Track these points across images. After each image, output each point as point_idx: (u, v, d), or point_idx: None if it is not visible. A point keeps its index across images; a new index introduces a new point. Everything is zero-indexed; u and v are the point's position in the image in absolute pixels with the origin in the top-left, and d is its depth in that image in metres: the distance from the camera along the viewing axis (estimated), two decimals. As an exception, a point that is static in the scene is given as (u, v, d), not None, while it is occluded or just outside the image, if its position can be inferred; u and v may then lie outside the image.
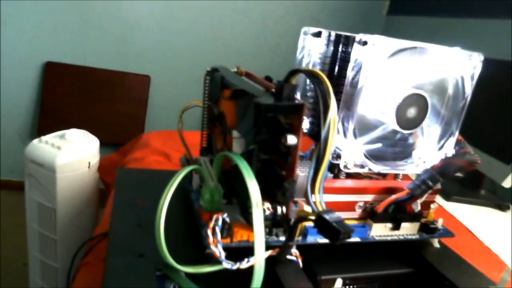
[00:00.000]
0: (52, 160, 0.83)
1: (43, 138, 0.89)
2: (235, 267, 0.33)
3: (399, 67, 0.42)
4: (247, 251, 0.33)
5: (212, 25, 1.88)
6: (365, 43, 0.40)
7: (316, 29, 0.49)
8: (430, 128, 0.45)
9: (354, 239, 0.41)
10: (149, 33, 1.83)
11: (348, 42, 0.44)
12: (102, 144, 0.97)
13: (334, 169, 0.45)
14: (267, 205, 0.36)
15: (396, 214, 0.42)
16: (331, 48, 0.47)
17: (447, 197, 0.92)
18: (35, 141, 0.88)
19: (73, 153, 0.86)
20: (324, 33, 0.48)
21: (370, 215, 0.42)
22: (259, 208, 0.31)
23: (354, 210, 0.42)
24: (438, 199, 0.92)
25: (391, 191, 0.42)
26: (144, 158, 0.93)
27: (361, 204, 0.42)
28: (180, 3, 1.81)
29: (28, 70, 1.77)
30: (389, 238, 0.42)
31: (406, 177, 0.47)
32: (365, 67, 0.40)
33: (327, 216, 0.30)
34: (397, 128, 0.43)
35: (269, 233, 0.37)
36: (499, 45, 1.19)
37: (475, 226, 0.80)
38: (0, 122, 1.81)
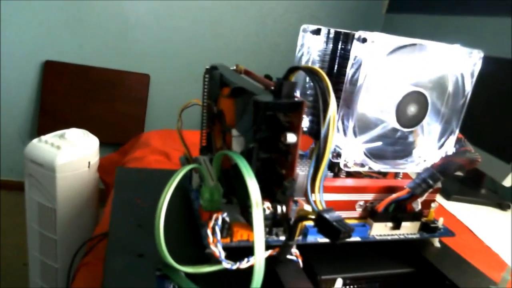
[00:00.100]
0: (52, 159, 0.83)
1: (43, 137, 0.89)
2: (235, 267, 0.33)
3: (399, 64, 0.41)
4: (247, 250, 0.33)
5: (211, 24, 1.87)
6: (364, 40, 0.39)
7: (315, 27, 0.49)
8: (430, 126, 0.45)
9: (355, 238, 0.41)
10: (148, 32, 1.83)
11: (348, 39, 0.43)
12: (102, 144, 0.97)
13: (334, 168, 0.45)
14: (267, 204, 0.36)
15: (397, 213, 0.42)
16: (331, 45, 0.47)
17: (448, 196, 0.92)
18: (35, 140, 0.88)
19: (73, 153, 0.86)
20: (324, 30, 0.48)
21: (371, 214, 0.42)
22: (259, 208, 0.31)
23: (354, 209, 0.42)
24: (439, 198, 0.91)
25: (391, 190, 0.42)
26: (144, 157, 0.92)
27: (361, 203, 0.42)
28: (180, 2, 1.81)
29: (27, 69, 1.77)
30: (389, 238, 0.42)
31: (406, 176, 0.47)
32: (364, 65, 0.39)
33: (327, 215, 0.30)
34: (397, 126, 0.43)
35: (269, 232, 0.37)
36: (499, 43, 1.18)
37: (476, 225, 0.80)
38: (0, 121, 1.81)
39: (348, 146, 0.42)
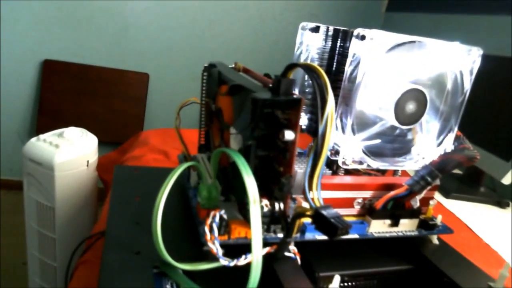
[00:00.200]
0: (50, 158, 0.83)
1: (41, 136, 0.89)
2: (232, 264, 0.33)
3: (398, 61, 0.41)
4: (245, 248, 0.33)
5: (210, 23, 1.87)
6: (363, 37, 0.39)
7: (314, 24, 0.49)
8: (429, 123, 0.45)
9: (353, 235, 0.41)
10: (147, 31, 1.83)
11: (346, 37, 0.43)
12: (101, 143, 0.97)
13: (332, 165, 0.45)
14: (265, 202, 0.36)
15: (395, 211, 0.42)
16: (329, 43, 0.46)
17: (447, 194, 0.92)
18: (33, 139, 0.88)
19: (72, 152, 0.86)
20: (322, 28, 0.47)
21: (369, 211, 0.42)
22: (257, 204, 0.30)
23: (352, 206, 0.42)
24: (438, 196, 0.91)
25: (389, 187, 0.42)
26: (143, 156, 0.92)
27: (360, 200, 0.42)
28: (179, 1, 1.81)
29: (26, 68, 1.77)
30: (387, 235, 0.42)
31: (405, 173, 0.47)
32: (363, 62, 0.39)
33: (324, 212, 0.30)
34: (396, 123, 0.42)
35: (267, 230, 0.37)
36: (499, 41, 1.18)
37: (475, 223, 0.80)
38: (-1, 121, 1.81)
39: (347, 144, 0.41)
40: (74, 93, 1.81)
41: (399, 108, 0.42)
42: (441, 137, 0.46)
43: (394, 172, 0.46)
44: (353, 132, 0.42)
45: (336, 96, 0.41)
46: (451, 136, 0.45)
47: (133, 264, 0.36)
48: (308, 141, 0.46)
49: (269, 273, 0.35)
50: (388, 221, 0.42)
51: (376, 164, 0.43)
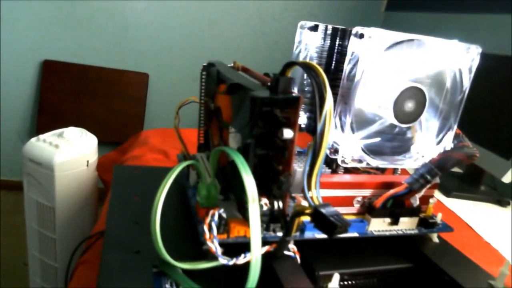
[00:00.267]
0: (50, 158, 0.83)
1: (41, 136, 0.89)
2: (231, 262, 0.33)
3: (397, 60, 0.41)
4: (245, 247, 0.33)
5: (210, 23, 1.87)
6: (361, 35, 0.39)
7: (312, 23, 0.48)
8: (428, 122, 0.45)
9: (352, 234, 0.41)
10: (147, 31, 1.83)
11: (345, 35, 0.43)
12: (101, 143, 0.97)
13: (332, 164, 0.45)
14: (265, 200, 0.36)
15: (395, 209, 0.42)
16: (328, 42, 0.46)
17: (447, 193, 0.92)
18: (33, 139, 0.88)
19: (71, 152, 0.86)
20: (321, 27, 0.47)
21: (368, 210, 0.42)
22: (255, 203, 0.30)
23: (352, 205, 0.42)
24: (438, 195, 0.91)
25: (389, 185, 0.42)
26: (142, 156, 0.92)
27: (359, 199, 0.42)
28: (178, 1, 1.81)
29: (26, 68, 1.77)
30: (387, 233, 0.42)
31: (404, 171, 0.47)
32: (362, 60, 0.39)
33: (323, 210, 0.30)
34: (395, 122, 0.42)
35: (266, 228, 0.37)
36: (499, 40, 1.18)
37: (475, 222, 0.80)
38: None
39: (346, 142, 0.41)
40: (74, 93, 1.81)
41: (398, 106, 0.42)
42: (441, 135, 0.45)
43: (394, 171, 0.46)
44: (352, 130, 0.42)
45: (335, 94, 0.41)
46: (451, 134, 0.45)
47: (133, 264, 0.36)
48: (308, 140, 0.46)
49: (269, 272, 0.35)
50: (387, 220, 0.42)
51: (375, 162, 0.43)
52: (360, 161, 0.42)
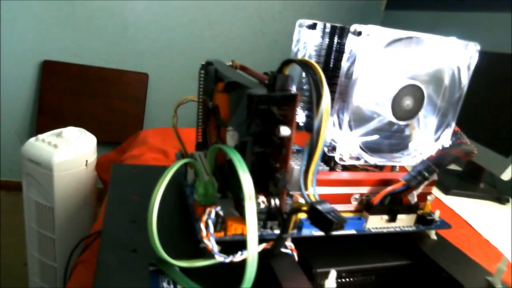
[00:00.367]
0: (49, 158, 0.83)
1: (40, 136, 0.88)
2: (228, 260, 0.33)
3: (395, 57, 0.41)
4: (242, 245, 0.33)
5: (210, 22, 1.87)
6: (359, 33, 0.39)
7: (311, 21, 0.48)
8: (427, 119, 0.45)
9: (350, 231, 0.41)
10: (146, 31, 1.83)
11: (343, 33, 0.43)
12: (101, 143, 0.97)
13: (330, 162, 0.45)
14: (262, 198, 0.36)
15: (392, 206, 0.41)
16: (327, 40, 0.46)
17: (446, 191, 0.92)
18: (32, 139, 0.88)
19: (70, 151, 0.86)
20: (319, 25, 0.47)
21: (366, 207, 0.42)
22: (252, 200, 0.30)
23: (349, 202, 0.42)
24: (438, 193, 0.91)
25: (387, 182, 0.42)
26: (142, 155, 0.92)
27: (357, 196, 0.42)
28: (178, 1, 1.81)
29: (25, 69, 1.77)
30: (385, 230, 0.42)
31: (403, 169, 0.47)
32: (359, 58, 0.39)
33: (319, 207, 0.29)
34: (393, 119, 0.42)
35: (263, 226, 0.37)
36: (499, 38, 1.18)
37: (475, 220, 0.80)
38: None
39: (344, 140, 0.41)
40: (74, 94, 1.81)
41: (396, 103, 0.42)
42: (439, 133, 0.45)
43: (392, 168, 0.46)
44: (350, 128, 0.42)
45: (333, 92, 0.41)
46: (449, 132, 0.45)
47: (130, 262, 0.35)
48: (307, 139, 0.46)
49: (266, 269, 0.35)
50: (385, 217, 0.42)
51: (373, 160, 0.43)
52: (358, 158, 0.42)
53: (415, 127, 0.45)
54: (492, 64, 0.92)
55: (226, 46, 1.92)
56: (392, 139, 0.44)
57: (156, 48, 1.86)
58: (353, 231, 0.41)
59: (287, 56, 0.45)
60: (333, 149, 0.42)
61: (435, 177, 0.41)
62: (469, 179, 0.98)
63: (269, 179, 0.35)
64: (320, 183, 0.40)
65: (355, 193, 0.41)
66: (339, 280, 0.40)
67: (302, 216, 0.37)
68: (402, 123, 0.43)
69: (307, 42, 0.50)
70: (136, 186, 0.50)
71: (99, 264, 0.34)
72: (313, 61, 0.33)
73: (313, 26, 0.48)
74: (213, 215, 0.34)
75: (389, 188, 0.41)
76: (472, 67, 0.44)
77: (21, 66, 1.76)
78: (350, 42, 0.40)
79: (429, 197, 0.44)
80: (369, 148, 0.43)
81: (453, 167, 1.11)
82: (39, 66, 1.78)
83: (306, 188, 0.32)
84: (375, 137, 0.43)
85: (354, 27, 0.40)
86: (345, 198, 0.41)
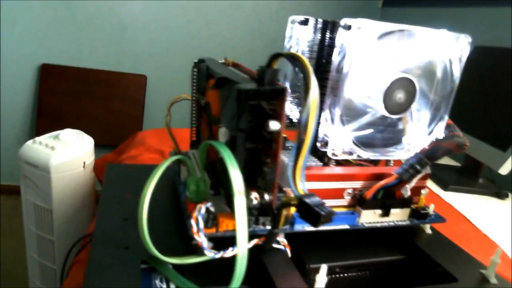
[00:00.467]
0: (46, 160, 0.83)
1: (37, 139, 0.89)
2: (218, 255, 0.32)
3: (386, 50, 0.41)
4: (234, 241, 0.33)
5: (207, 23, 1.87)
6: (349, 27, 0.39)
7: (303, 17, 0.48)
8: (420, 112, 0.45)
9: (343, 226, 0.40)
10: (144, 33, 1.83)
11: (335, 28, 0.43)
12: (101, 145, 0.97)
13: (324, 157, 0.45)
14: (255, 194, 0.35)
15: (386, 200, 0.41)
16: (319, 35, 0.46)
17: (445, 186, 0.92)
18: (29, 142, 0.88)
19: (67, 153, 0.86)
20: (311, 20, 0.47)
21: (359, 201, 0.41)
22: (241, 195, 0.30)
23: (342, 197, 0.42)
24: (436, 188, 0.91)
25: (380, 177, 0.42)
26: (139, 155, 0.92)
27: (350, 191, 0.41)
28: (175, 2, 1.81)
29: (24, 73, 1.78)
30: (379, 225, 0.42)
31: (398, 162, 0.46)
32: (350, 52, 0.39)
33: (308, 200, 0.29)
34: (385, 113, 0.42)
35: (255, 222, 0.37)
36: (498, 33, 1.18)
37: (474, 215, 0.79)
38: (-1, 126, 1.82)
39: (336, 135, 0.41)
40: (73, 96, 1.82)
41: (388, 97, 0.42)
42: (432, 126, 0.45)
43: (387, 162, 0.46)
44: (342, 123, 0.42)
45: (325, 87, 0.41)
46: (442, 125, 0.45)
47: (121, 260, 0.35)
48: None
49: (259, 266, 0.35)
50: (378, 211, 0.41)
51: (366, 154, 0.43)
52: (350, 153, 0.42)
53: (408, 120, 0.45)
54: (490, 59, 0.91)
55: (223, 46, 1.92)
56: (385, 133, 0.44)
57: (154, 49, 1.86)
58: (346, 226, 0.40)
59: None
60: (326, 144, 0.42)
61: (428, 170, 0.41)
62: (468, 175, 0.98)
63: (259, 174, 0.35)
64: (313, 178, 0.40)
65: (348, 187, 0.41)
66: (333, 276, 0.39)
67: (294, 211, 0.37)
68: (394, 116, 0.43)
69: (300, 38, 0.50)
70: (130, 184, 0.50)
71: (90, 261, 0.34)
72: (300, 54, 0.33)
73: (305, 22, 0.48)
74: (203, 211, 0.34)
75: (382, 182, 0.41)
76: (464, 59, 0.44)
77: (20, 70, 1.77)
78: (341, 36, 0.40)
79: (423, 191, 0.44)
80: (362, 142, 0.43)
81: (451, 162, 1.10)
82: (37, 69, 1.78)
83: (294, 182, 0.32)
84: (368, 131, 0.43)
85: (344, 21, 0.39)
86: (338, 193, 0.41)
